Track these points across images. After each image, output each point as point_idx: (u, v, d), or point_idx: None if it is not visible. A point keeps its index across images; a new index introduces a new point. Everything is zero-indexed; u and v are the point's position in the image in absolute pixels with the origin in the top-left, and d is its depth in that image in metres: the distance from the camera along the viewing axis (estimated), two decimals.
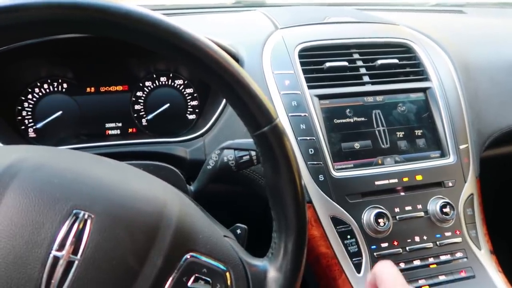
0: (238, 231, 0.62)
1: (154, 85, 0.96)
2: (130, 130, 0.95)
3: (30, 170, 0.46)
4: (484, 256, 0.86)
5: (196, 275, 0.48)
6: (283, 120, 0.84)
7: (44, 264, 0.42)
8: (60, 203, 0.44)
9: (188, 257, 0.48)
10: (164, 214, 0.49)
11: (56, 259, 0.42)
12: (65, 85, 0.91)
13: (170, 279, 0.47)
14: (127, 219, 0.46)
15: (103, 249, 0.44)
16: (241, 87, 0.48)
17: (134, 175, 0.53)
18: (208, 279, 0.49)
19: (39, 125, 0.90)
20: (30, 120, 0.90)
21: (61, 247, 0.43)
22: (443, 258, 0.84)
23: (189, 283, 0.48)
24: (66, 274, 0.42)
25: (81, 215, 0.44)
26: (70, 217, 0.44)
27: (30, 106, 0.90)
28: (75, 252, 0.43)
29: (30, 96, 0.90)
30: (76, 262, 0.43)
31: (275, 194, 0.52)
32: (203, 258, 0.49)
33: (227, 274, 0.51)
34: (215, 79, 0.48)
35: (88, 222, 0.44)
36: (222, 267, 0.50)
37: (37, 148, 0.54)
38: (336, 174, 0.83)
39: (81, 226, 0.44)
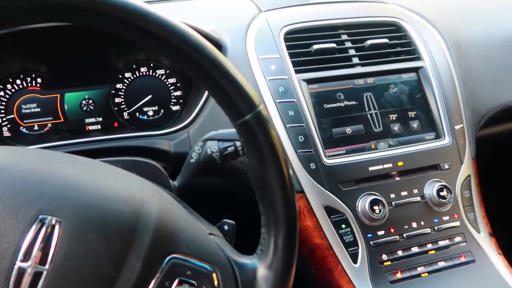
0: (226, 227, 0.58)
1: (135, 76, 0.91)
2: (111, 124, 0.91)
3: None
4: (484, 239, 0.83)
5: (180, 278, 0.45)
6: (270, 107, 0.80)
7: (8, 277, 0.38)
8: (24, 208, 0.40)
9: (170, 259, 0.45)
10: (141, 213, 0.45)
11: (22, 271, 0.39)
12: (39, 80, 0.87)
13: (151, 284, 0.43)
14: (100, 221, 0.42)
15: (75, 257, 0.40)
16: (218, 72, 0.44)
17: (107, 173, 0.49)
18: (193, 281, 0.46)
19: (13, 124, 0.85)
20: (4, 119, 0.85)
21: (27, 257, 0.39)
22: (441, 243, 0.81)
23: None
24: (34, 286, 0.39)
25: (47, 221, 0.41)
26: (35, 223, 0.40)
27: (3, 104, 0.85)
28: (42, 261, 0.39)
29: (2, 93, 0.85)
30: (45, 272, 0.39)
31: (262, 186, 0.48)
32: (187, 260, 0.46)
33: (214, 275, 0.47)
34: (189, 64, 0.44)
35: (56, 227, 0.41)
36: (208, 267, 0.47)
37: None
38: (328, 161, 0.79)
39: (48, 232, 0.40)
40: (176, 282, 0.45)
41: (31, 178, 0.43)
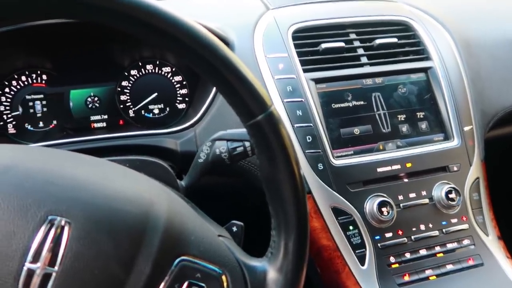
0: (234, 229, 0.58)
1: (140, 73, 0.91)
2: (116, 122, 0.90)
3: None
4: (492, 243, 0.82)
5: (189, 280, 0.44)
6: (278, 107, 0.79)
7: (17, 279, 0.38)
8: (33, 209, 0.40)
9: (180, 261, 0.44)
10: (150, 215, 0.44)
11: (31, 272, 0.38)
12: (44, 77, 0.86)
13: (161, 287, 0.43)
14: (109, 223, 0.42)
15: (84, 258, 0.40)
16: (230, 72, 0.43)
17: (116, 173, 0.48)
18: (203, 284, 0.45)
19: (18, 121, 0.84)
20: (9, 116, 0.85)
21: (36, 258, 0.39)
22: (450, 246, 0.81)
23: None
24: None
25: (57, 222, 0.40)
26: (44, 224, 0.40)
27: (8, 100, 0.84)
28: (51, 263, 0.39)
29: (7, 90, 0.84)
30: (54, 274, 0.39)
31: (272, 188, 0.47)
32: (196, 262, 0.45)
33: (223, 277, 0.46)
34: (201, 63, 0.43)
35: (66, 228, 0.40)
36: (217, 270, 0.46)
37: (4, 147, 0.49)
38: (335, 162, 0.78)
39: (57, 233, 0.39)
40: (185, 284, 0.44)
41: (39, 178, 0.42)
